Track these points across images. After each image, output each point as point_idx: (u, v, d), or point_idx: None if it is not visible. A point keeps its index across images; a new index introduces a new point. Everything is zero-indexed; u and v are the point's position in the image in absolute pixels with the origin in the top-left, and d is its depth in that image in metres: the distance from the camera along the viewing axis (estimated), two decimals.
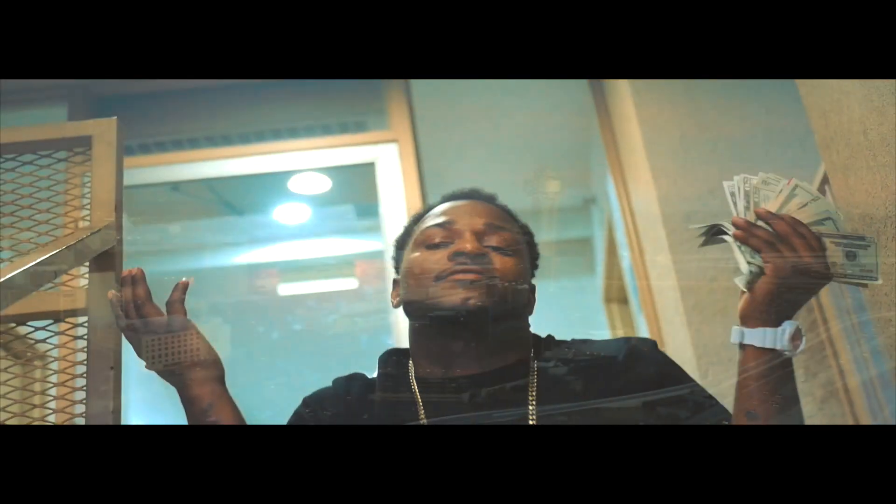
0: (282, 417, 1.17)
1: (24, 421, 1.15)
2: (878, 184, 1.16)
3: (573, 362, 1.12)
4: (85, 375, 1.13)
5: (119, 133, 1.26)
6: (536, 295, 1.21)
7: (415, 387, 1.12)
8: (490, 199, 1.23)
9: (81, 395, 1.14)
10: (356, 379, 1.19)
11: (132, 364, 1.14)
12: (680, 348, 2.24)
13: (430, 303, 1.10)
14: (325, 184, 3.08)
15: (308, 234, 2.97)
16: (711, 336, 2.11)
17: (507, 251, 1.13)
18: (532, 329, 1.19)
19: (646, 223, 2.54)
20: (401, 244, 1.23)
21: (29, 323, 1.21)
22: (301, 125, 3.06)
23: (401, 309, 1.19)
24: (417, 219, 1.24)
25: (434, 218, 1.18)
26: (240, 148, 2.96)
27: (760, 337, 0.99)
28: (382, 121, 2.96)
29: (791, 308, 1.01)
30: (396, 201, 2.72)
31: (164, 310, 1.13)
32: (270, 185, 3.02)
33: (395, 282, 1.22)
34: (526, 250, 1.19)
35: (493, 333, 1.09)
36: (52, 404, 1.18)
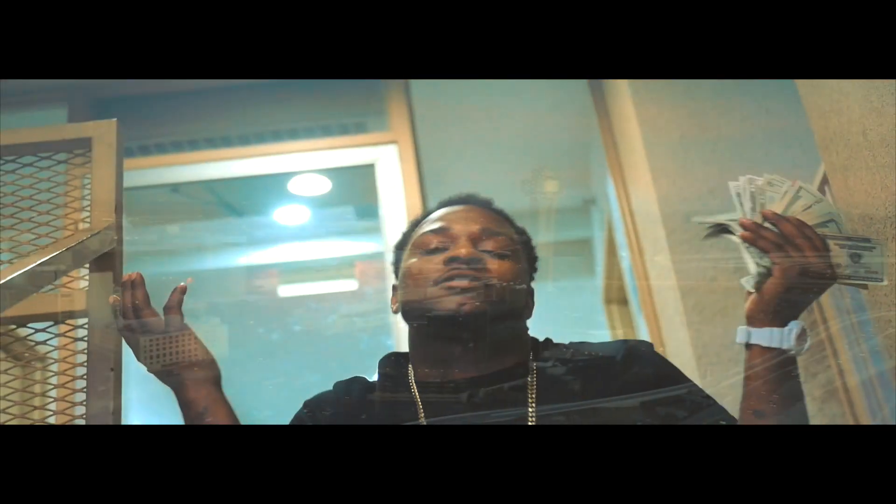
0: (281, 418, 1.17)
1: (24, 422, 1.15)
2: (878, 184, 1.16)
3: (572, 362, 1.13)
4: (85, 377, 1.14)
5: (119, 135, 1.27)
6: (536, 296, 1.21)
7: (414, 389, 1.13)
8: (486, 204, 1.23)
9: (81, 396, 1.14)
10: (356, 382, 1.19)
11: (132, 365, 1.14)
12: (679, 349, 2.24)
13: (426, 308, 1.11)
14: (324, 185, 3.08)
15: (308, 235, 2.97)
16: (711, 336, 2.11)
17: (502, 255, 1.14)
18: (532, 330, 1.19)
19: (645, 224, 2.54)
20: (399, 250, 1.24)
21: (29, 325, 1.21)
22: (301, 126, 3.06)
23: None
24: (415, 224, 1.24)
25: (430, 224, 1.19)
26: (239, 149, 2.97)
27: (768, 337, 1.01)
28: (382, 122, 2.96)
29: (797, 308, 1.02)
30: (396, 202, 2.72)
31: (161, 313, 1.14)
32: (270, 187, 3.02)
33: (395, 287, 1.23)
34: (523, 254, 1.20)
35: (490, 337, 1.10)
36: (52, 405, 1.18)
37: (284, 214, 3.05)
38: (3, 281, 0.95)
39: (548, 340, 1.18)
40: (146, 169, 2.86)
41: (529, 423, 1.05)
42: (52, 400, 1.18)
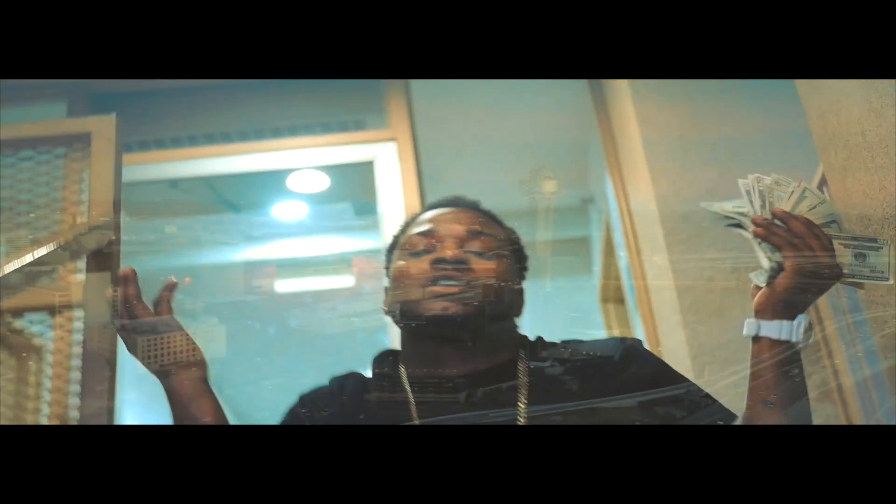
0: (277, 414, 1.18)
1: (19, 415, 1.15)
2: (877, 185, 1.17)
3: (566, 362, 1.13)
4: (80, 369, 1.14)
5: (118, 130, 1.27)
6: (532, 295, 1.22)
7: (406, 387, 1.14)
8: (473, 206, 1.24)
9: (76, 388, 1.14)
10: (352, 377, 1.20)
11: (126, 359, 1.15)
12: (675, 348, 2.25)
13: (413, 309, 1.12)
14: (323, 182, 3.08)
15: (306, 231, 2.96)
16: (708, 336, 2.11)
17: (489, 256, 1.16)
18: (527, 328, 1.20)
19: (643, 223, 2.54)
20: (389, 252, 1.26)
21: (25, 316, 1.21)
22: (300, 123, 3.05)
23: None
24: (404, 227, 1.26)
25: (417, 226, 1.21)
26: (239, 146, 2.96)
27: (777, 329, 1.04)
28: (382, 120, 2.96)
29: (804, 303, 1.06)
30: (394, 200, 2.71)
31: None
32: (269, 183, 3.01)
33: (386, 289, 1.24)
34: (511, 254, 1.21)
35: (478, 336, 1.12)
36: (47, 397, 1.18)
37: (283, 210, 3.05)
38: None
39: (539, 339, 1.19)
40: (145, 164, 2.85)
41: (520, 423, 1.06)
42: (46, 392, 1.18)
